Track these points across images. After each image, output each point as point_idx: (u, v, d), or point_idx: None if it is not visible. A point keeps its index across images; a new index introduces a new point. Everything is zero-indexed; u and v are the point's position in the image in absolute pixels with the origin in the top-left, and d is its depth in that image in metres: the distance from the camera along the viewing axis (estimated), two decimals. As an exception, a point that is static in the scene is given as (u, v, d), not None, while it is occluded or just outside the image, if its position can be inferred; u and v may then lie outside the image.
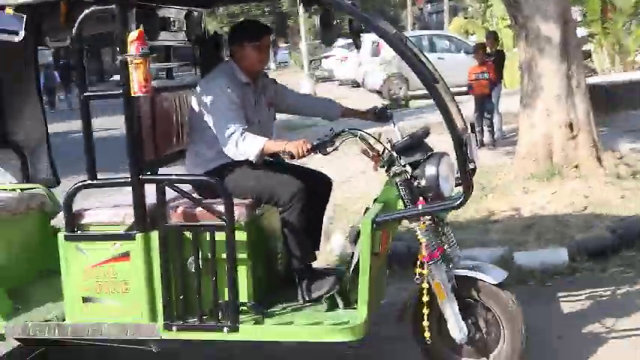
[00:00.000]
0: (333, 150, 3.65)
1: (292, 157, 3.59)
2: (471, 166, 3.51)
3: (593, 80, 12.11)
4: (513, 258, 5.42)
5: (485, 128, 10.40)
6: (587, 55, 16.45)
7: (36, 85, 4.69)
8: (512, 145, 8.79)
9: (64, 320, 3.71)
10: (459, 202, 3.49)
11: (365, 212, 3.67)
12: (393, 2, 44.60)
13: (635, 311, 4.51)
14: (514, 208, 6.53)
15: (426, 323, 3.64)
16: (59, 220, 3.79)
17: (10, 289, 4.00)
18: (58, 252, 3.72)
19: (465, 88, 11.20)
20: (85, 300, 3.65)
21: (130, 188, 3.58)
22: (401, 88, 19.88)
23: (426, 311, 3.62)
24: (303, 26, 24.91)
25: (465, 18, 30.73)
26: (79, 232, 3.65)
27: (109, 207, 3.76)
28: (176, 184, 3.60)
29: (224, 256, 3.52)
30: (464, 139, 3.43)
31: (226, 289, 3.55)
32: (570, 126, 7.20)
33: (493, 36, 11.60)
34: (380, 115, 4.24)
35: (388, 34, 3.49)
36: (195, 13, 4.41)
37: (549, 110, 7.12)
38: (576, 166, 7.12)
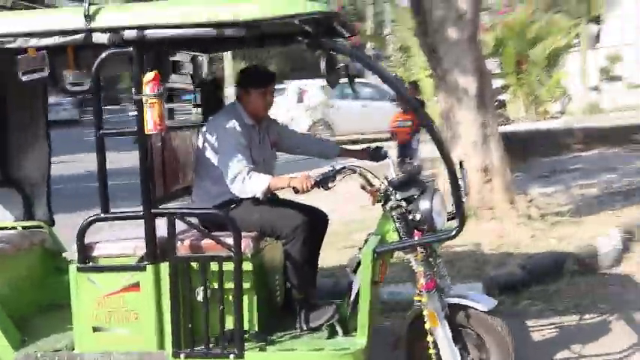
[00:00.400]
0: (334, 185, 3.88)
1: (297, 191, 3.82)
2: (464, 199, 3.76)
3: (509, 128, 12.71)
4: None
5: None
6: (503, 104, 17.17)
7: (45, 124, 4.88)
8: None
9: (73, 350, 3.84)
10: (454, 232, 3.73)
11: (364, 243, 3.89)
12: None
13: (542, 341, 4.88)
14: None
15: (432, 351, 3.83)
16: (70, 254, 3.92)
17: (16, 322, 4.11)
18: (59, 286, 3.86)
19: (388, 135, 11.64)
20: (95, 330, 3.79)
21: (136, 222, 3.77)
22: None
23: (431, 339, 3.82)
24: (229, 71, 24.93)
25: (387, 67, 31.55)
26: (90, 263, 3.80)
27: (119, 240, 3.92)
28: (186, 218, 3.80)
29: (230, 286, 3.71)
30: (458, 175, 3.69)
31: (232, 318, 3.73)
32: (485, 170, 7.63)
33: (414, 85, 12.25)
34: (375, 154, 4.49)
35: (390, 78, 3.76)
36: (200, 58, 4.65)
37: (466, 156, 7.48)
38: (491, 208, 7.54)
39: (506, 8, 17.74)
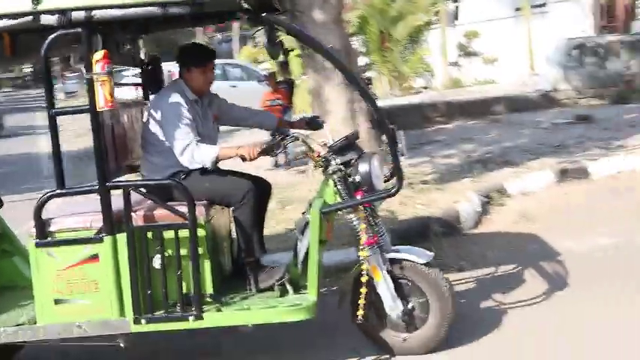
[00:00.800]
0: (280, 152, 4.14)
1: (244, 159, 4.06)
2: (402, 159, 4.08)
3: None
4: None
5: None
6: (369, 81, 17.92)
7: None
8: (304, 164, 9.60)
9: (35, 323, 3.97)
10: (394, 190, 4.05)
11: (308, 207, 4.17)
12: (182, 31, 45.07)
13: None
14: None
15: (362, 302, 4.14)
16: (24, 232, 4.04)
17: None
18: (7, 269, 3.96)
19: None
20: (57, 302, 3.94)
21: (88, 197, 3.93)
22: None
23: (364, 290, 4.13)
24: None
25: (254, 47, 31.93)
26: (49, 238, 3.93)
27: (75, 214, 4.06)
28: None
29: (185, 252, 3.92)
30: (397, 136, 4.01)
31: (189, 283, 3.94)
32: None
33: (283, 65, 12.53)
34: (312, 123, 4.76)
35: (328, 51, 4.03)
36: (139, 39, 4.80)
37: (336, 130, 7.80)
38: None
39: None
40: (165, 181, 4.12)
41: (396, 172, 4.04)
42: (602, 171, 8.13)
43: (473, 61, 22.19)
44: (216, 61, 4.47)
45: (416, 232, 6.36)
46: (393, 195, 4.11)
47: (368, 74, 18.00)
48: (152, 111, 4.31)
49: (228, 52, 36.66)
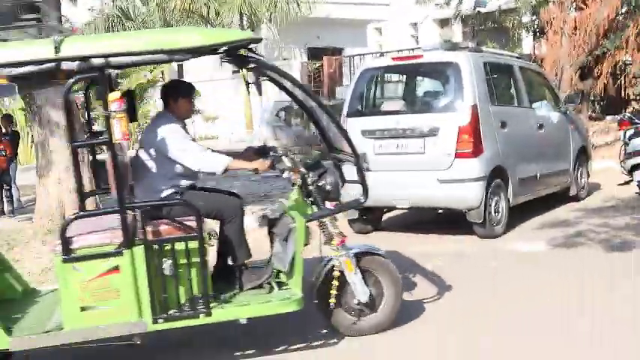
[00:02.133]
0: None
1: (257, 172, 4.84)
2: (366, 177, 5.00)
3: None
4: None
5: (5, 199, 12.16)
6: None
7: None
8: (30, 212, 10.57)
9: (62, 329, 4.54)
10: (363, 200, 4.96)
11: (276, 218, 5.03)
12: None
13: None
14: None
15: (334, 292, 5.01)
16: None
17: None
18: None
19: None
20: (83, 309, 4.53)
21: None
22: None
23: (336, 283, 5.00)
24: None
25: None
26: (73, 254, 4.51)
27: (93, 232, 4.65)
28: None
29: (193, 260, 4.63)
30: (361, 157, 4.91)
31: (197, 285, 4.65)
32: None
33: (8, 118, 13.43)
34: (261, 151, 5.42)
35: (306, 88, 4.88)
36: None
37: (60, 179, 8.95)
38: None
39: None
40: (177, 200, 4.79)
41: (363, 185, 4.94)
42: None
43: (195, 118, 23.91)
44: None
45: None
46: (363, 205, 5.01)
47: (95, 128, 18.97)
48: (148, 139, 4.96)
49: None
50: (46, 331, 4.57)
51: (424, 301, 5.88)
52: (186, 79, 24.39)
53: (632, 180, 9.20)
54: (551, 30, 15.39)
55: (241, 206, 4.95)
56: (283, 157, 5.03)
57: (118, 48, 4.42)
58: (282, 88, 5.29)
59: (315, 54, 24.62)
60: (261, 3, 19.56)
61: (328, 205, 5.07)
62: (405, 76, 9.41)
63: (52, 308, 4.98)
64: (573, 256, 7.11)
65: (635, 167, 9.10)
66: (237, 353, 5.06)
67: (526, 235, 8.29)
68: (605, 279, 6.25)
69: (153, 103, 20.87)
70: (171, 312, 4.64)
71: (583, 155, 10.33)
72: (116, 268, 4.54)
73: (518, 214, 8.81)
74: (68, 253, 4.51)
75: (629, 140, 9.24)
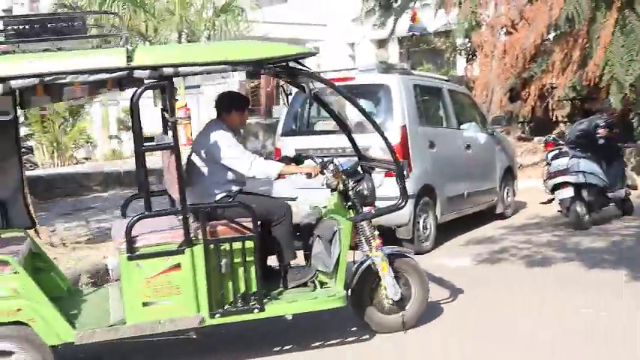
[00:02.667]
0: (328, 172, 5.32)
1: (309, 176, 5.16)
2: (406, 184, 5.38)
3: (35, 173, 14.88)
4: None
5: None
6: (30, 150, 19.34)
7: (16, 143, 5.57)
8: None
9: (125, 323, 4.78)
10: (403, 204, 5.34)
11: (315, 223, 5.44)
12: None
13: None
14: None
15: (373, 291, 5.38)
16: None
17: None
18: (50, 282, 4.79)
19: None
20: (145, 304, 4.77)
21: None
22: None
23: (373, 282, 5.36)
24: None
25: None
26: (137, 252, 4.76)
27: (154, 232, 4.90)
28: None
29: (247, 258, 4.93)
30: (403, 166, 5.30)
31: (250, 282, 4.95)
32: None
33: None
34: (298, 160, 5.80)
35: (354, 100, 5.23)
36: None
37: None
38: None
39: None
40: (236, 203, 5.07)
41: (402, 192, 5.32)
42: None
43: (131, 135, 24.42)
44: None
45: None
46: (402, 208, 5.39)
47: (29, 143, 19.16)
48: (200, 146, 5.24)
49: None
50: (110, 325, 4.80)
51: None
52: (124, 95, 24.56)
53: (554, 199, 9.71)
54: (483, 53, 15.92)
55: (289, 209, 5.27)
56: (329, 164, 5.38)
57: (186, 58, 4.70)
58: (317, 100, 5.62)
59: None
60: (199, 21, 19.73)
61: (365, 209, 5.43)
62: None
63: (104, 305, 5.20)
64: (497, 270, 7.51)
65: (556, 187, 9.55)
66: (276, 349, 5.36)
67: (453, 251, 8.68)
68: (528, 292, 6.66)
69: (89, 121, 21.22)
70: (227, 307, 4.93)
71: (509, 175, 10.85)
72: (177, 266, 4.79)
73: (446, 231, 9.24)
74: (132, 252, 4.76)
75: (552, 161, 9.73)
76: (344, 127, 5.75)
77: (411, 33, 19.81)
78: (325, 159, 5.49)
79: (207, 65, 4.74)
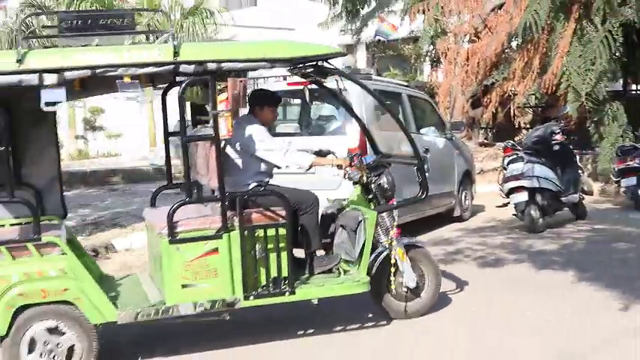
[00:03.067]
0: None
1: (340, 168, 5.48)
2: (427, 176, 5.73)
3: None
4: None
5: None
6: None
7: (54, 135, 5.80)
8: None
9: (165, 304, 5.05)
10: (423, 197, 5.68)
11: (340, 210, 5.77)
12: None
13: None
14: None
15: (392, 279, 5.71)
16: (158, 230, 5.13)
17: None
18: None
19: None
20: (184, 286, 5.05)
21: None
22: None
23: (393, 269, 5.70)
24: None
25: None
26: (178, 237, 5.03)
27: (192, 218, 5.17)
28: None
29: (280, 244, 5.23)
30: (424, 160, 5.65)
31: (283, 267, 5.25)
32: None
33: None
34: (322, 153, 6.07)
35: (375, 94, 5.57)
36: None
37: None
38: None
39: None
40: (272, 192, 5.36)
41: (424, 185, 5.68)
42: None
43: (97, 135, 24.86)
44: None
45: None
46: (423, 200, 5.74)
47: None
48: (234, 139, 5.52)
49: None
50: (151, 306, 5.07)
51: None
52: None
53: (509, 202, 9.97)
54: (446, 60, 16.18)
55: (317, 199, 5.58)
56: (355, 157, 5.71)
57: (229, 55, 5.00)
58: (337, 98, 5.94)
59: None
60: (167, 23, 19.96)
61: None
62: (301, 100, 9.53)
63: (138, 289, 5.48)
64: (451, 270, 7.64)
65: (511, 191, 9.79)
66: (300, 332, 5.67)
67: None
68: (478, 292, 6.85)
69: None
70: (260, 290, 5.22)
71: (467, 179, 11.16)
72: (215, 250, 5.08)
73: (404, 232, 9.33)
74: (174, 236, 5.04)
75: (508, 165, 10.01)
76: (361, 125, 6.07)
77: (378, 38, 20.16)
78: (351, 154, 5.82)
79: (247, 62, 5.05)
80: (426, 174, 5.76)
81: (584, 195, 10.64)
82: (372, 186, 5.72)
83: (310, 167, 5.55)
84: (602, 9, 12.30)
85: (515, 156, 10.07)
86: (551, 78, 12.86)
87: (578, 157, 10.77)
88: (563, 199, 10.06)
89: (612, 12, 12.24)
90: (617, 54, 13.00)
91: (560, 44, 12.71)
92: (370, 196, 5.77)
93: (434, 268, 5.96)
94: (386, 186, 5.75)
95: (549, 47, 13.21)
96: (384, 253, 5.74)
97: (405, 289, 5.78)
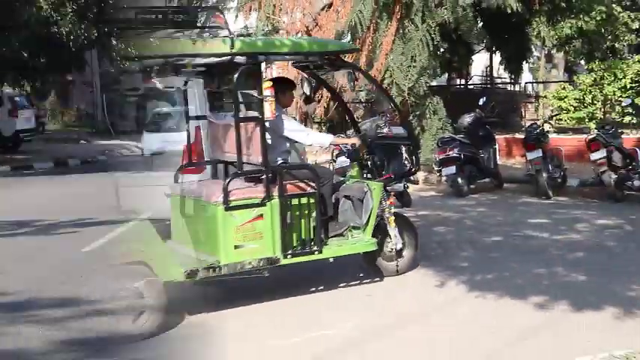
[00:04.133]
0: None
1: (354, 146, 6.46)
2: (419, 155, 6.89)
3: None
4: None
5: None
6: None
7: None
8: None
9: (220, 262, 5.82)
10: (415, 170, 6.84)
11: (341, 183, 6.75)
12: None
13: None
14: None
15: (389, 241, 6.81)
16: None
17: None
18: None
19: None
20: (236, 247, 5.85)
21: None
22: None
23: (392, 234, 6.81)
24: None
25: None
26: (231, 204, 5.83)
27: (239, 188, 5.97)
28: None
29: (312, 211, 6.15)
30: (417, 139, 6.80)
31: (313, 230, 6.17)
32: None
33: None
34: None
35: (383, 88, 6.62)
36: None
37: None
38: None
39: None
40: (307, 165, 6.26)
41: (416, 160, 6.84)
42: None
43: None
44: None
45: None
46: (415, 173, 6.89)
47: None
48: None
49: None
50: (209, 264, 5.81)
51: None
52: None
53: None
54: None
55: (332, 173, 6.56)
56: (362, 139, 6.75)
57: (275, 48, 5.88)
58: (329, 89, 6.97)
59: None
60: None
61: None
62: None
63: (183, 252, 6.16)
64: None
65: None
66: (312, 289, 6.64)
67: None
68: None
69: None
70: (295, 250, 6.12)
71: None
72: (261, 216, 5.93)
73: None
74: (228, 204, 5.83)
75: (337, 158, 10.28)
76: (349, 113, 7.12)
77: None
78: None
79: (287, 55, 5.96)
80: (417, 151, 6.90)
81: (408, 184, 11.78)
82: (369, 162, 6.78)
83: (330, 145, 6.52)
84: (422, 10, 13.48)
85: (345, 149, 10.78)
86: (376, 74, 13.51)
87: (403, 149, 11.98)
88: (388, 188, 11.25)
89: (429, 13, 13.47)
90: (438, 52, 14.15)
91: (384, 42, 13.69)
92: (365, 171, 6.83)
93: (413, 233, 7.09)
94: (378, 162, 6.83)
95: (374, 45, 14.02)
96: (378, 220, 6.82)
97: (391, 251, 6.88)
